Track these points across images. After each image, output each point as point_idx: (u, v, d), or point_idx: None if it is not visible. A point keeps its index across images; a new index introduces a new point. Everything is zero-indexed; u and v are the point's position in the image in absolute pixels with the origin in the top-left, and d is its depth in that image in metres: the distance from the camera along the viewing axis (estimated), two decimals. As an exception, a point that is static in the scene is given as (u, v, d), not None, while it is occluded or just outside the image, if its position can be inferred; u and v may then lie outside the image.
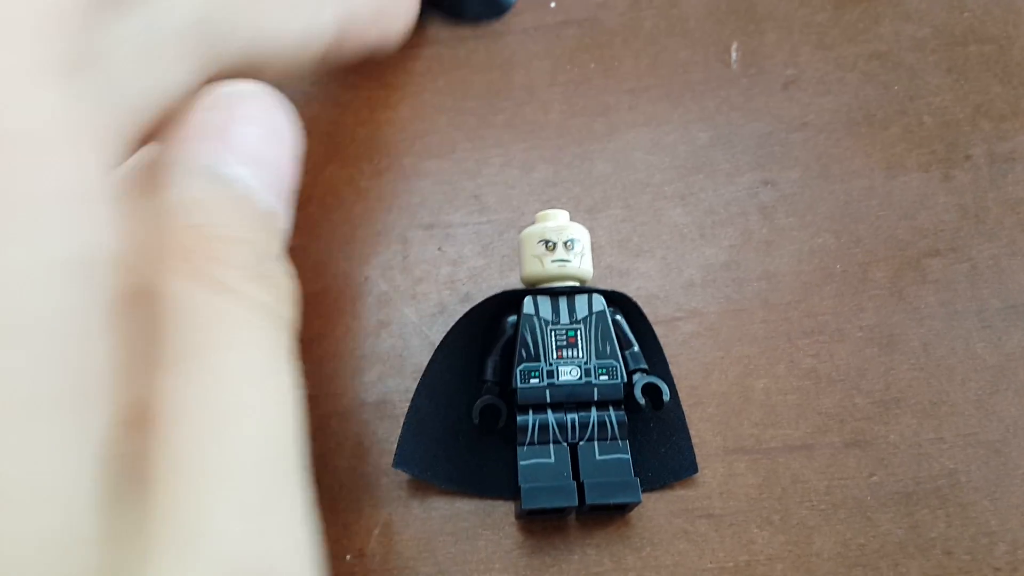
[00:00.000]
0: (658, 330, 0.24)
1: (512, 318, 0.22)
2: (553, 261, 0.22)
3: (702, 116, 0.27)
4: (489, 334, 0.23)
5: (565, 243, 0.22)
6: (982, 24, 0.28)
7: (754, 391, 0.23)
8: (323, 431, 0.24)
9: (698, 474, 0.22)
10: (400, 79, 0.28)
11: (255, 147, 0.16)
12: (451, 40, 0.28)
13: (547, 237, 0.22)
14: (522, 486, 0.21)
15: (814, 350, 0.24)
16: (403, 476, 0.23)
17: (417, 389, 0.22)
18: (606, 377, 0.21)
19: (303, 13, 0.19)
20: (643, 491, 0.21)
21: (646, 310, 0.23)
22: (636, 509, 0.22)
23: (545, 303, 0.22)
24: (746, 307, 0.24)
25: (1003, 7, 0.28)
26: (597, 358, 0.21)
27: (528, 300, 0.22)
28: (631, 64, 0.28)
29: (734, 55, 0.28)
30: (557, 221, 0.22)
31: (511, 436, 0.22)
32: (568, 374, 0.21)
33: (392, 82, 0.28)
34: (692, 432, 0.23)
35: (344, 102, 0.28)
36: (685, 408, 0.23)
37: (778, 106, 0.27)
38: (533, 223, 0.23)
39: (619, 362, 0.21)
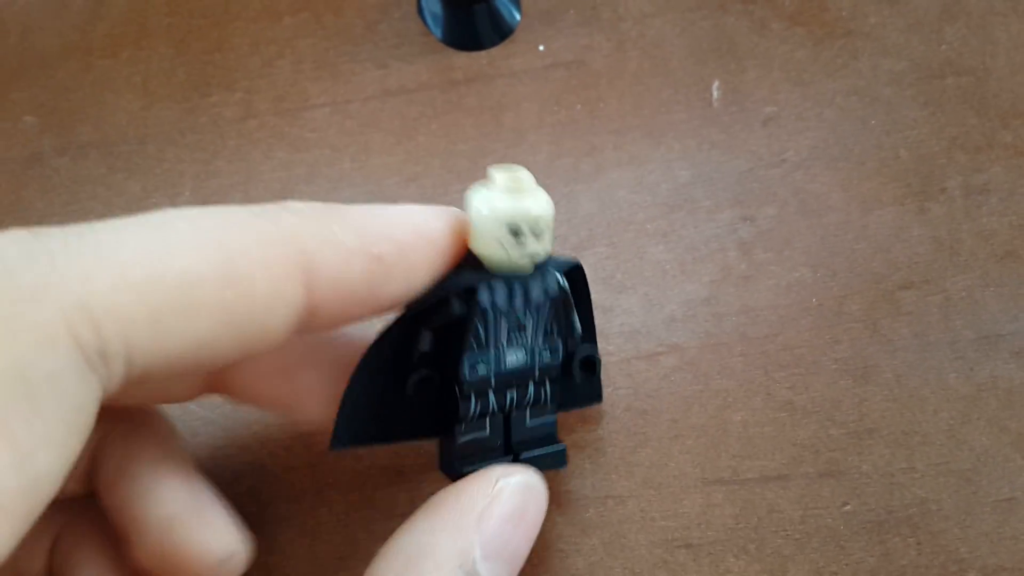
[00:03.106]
0: (640, 365, 0.25)
1: (459, 303, 0.20)
2: (523, 255, 0.20)
3: (684, 154, 0.28)
4: (430, 309, 0.20)
5: (536, 234, 0.19)
6: (959, 56, 0.28)
7: (732, 423, 0.24)
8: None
9: (677, 504, 0.24)
10: (395, 124, 0.29)
11: (503, 542, 0.18)
12: (444, 85, 0.30)
13: (518, 226, 0.19)
14: (456, 465, 0.21)
15: (790, 382, 0.25)
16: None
17: (352, 377, 0.20)
18: (548, 356, 0.21)
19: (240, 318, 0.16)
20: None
21: (628, 345, 0.25)
22: (619, 542, 0.23)
23: (501, 290, 0.20)
24: (725, 341, 0.25)
25: (980, 38, 0.29)
26: (544, 339, 0.21)
27: (484, 292, 0.20)
28: (616, 105, 0.29)
29: (715, 93, 0.29)
30: (531, 204, 0.19)
31: (450, 403, 0.21)
32: (514, 357, 0.21)
33: (388, 127, 0.29)
34: (671, 464, 0.24)
35: (340, 147, 0.29)
36: (666, 441, 0.24)
37: (757, 143, 0.28)
38: (487, 182, 0.20)
39: (562, 340, 0.21)
